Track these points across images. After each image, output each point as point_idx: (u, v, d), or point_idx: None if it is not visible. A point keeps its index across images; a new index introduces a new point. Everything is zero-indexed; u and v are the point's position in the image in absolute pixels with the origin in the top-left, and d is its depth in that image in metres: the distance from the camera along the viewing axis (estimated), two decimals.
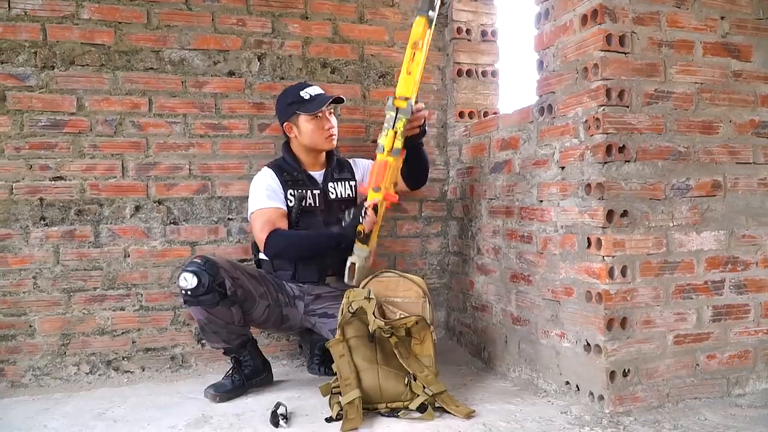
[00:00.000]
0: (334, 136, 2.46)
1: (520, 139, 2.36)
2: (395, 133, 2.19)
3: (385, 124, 2.20)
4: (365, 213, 2.21)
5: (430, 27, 2.20)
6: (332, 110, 2.48)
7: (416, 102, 2.23)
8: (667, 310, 1.99)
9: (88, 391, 2.38)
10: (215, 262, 2.18)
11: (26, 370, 2.46)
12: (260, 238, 2.31)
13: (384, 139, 2.21)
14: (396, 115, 2.18)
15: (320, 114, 2.40)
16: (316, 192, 2.45)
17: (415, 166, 2.42)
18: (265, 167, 2.46)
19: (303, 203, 2.40)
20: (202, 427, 1.95)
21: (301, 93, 2.39)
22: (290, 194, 2.40)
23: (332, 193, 2.48)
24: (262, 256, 2.43)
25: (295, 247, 2.35)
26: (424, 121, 2.32)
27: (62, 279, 2.50)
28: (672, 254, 1.99)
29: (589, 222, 1.96)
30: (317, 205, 2.43)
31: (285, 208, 2.38)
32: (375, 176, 2.22)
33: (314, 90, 2.42)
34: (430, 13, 2.19)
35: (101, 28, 2.53)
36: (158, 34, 2.60)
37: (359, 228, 2.22)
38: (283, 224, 2.36)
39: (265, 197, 2.37)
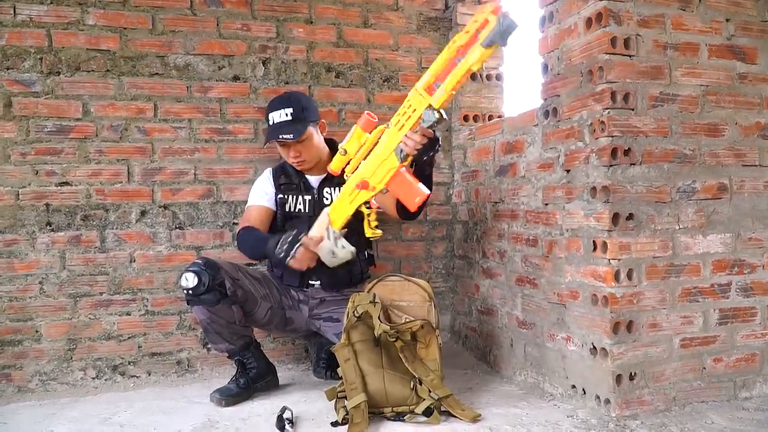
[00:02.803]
0: (302, 164, 2.38)
1: (525, 143, 2.36)
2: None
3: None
4: (296, 249, 2.12)
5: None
6: (300, 140, 2.31)
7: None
8: (674, 313, 1.98)
9: (95, 396, 2.38)
10: (216, 263, 2.21)
11: (33, 375, 2.46)
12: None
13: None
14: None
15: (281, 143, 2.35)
16: (308, 198, 2.43)
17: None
18: (268, 168, 2.53)
19: (288, 209, 2.43)
20: None
21: (269, 115, 2.36)
22: (279, 198, 2.44)
23: (327, 199, 2.42)
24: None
25: (245, 245, 2.36)
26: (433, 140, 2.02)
27: (68, 284, 2.51)
28: (678, 257, 1.99)
29: (595, 225, 1.96)
30: (305, 210, 2.42)
31: (271, 207, 2.44)
32: (381, 175, 2.04)
33: (279, 115, 2.31)
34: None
35: (106, 34, 2.54)
36: (163, 39, 2.61)
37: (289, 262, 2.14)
38: (261, 222, 2.41)
39: (255, 196, 2.46)
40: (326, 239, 2.15)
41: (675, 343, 1.98)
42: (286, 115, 2.32)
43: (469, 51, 1.78)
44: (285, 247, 2.15)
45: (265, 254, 2.30)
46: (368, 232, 2.14)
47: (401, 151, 1.98)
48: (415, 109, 1.91)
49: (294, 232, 2.17)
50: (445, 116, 1.93)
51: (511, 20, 1.74)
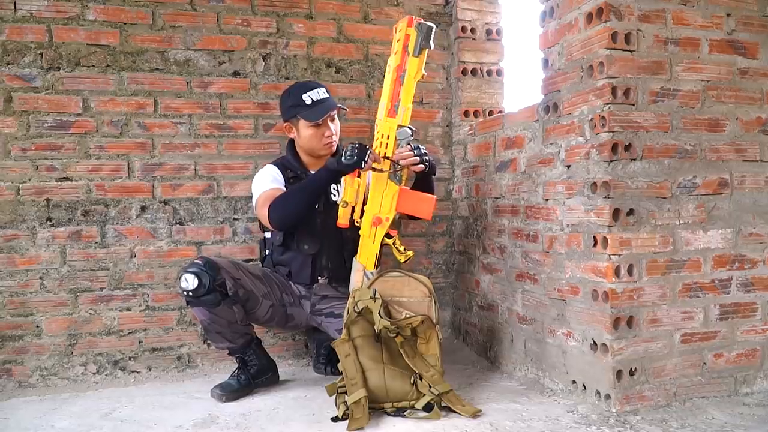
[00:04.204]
0: (333, 143, 2.42)
1: (525, 138, 2.35)
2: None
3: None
4: (369, 155, 2.10)
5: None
6: (333, 116, 2.41)
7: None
8: (674, 308, 1.98)
9: (95, 391, 2.38)
10: (216, 263, 2.19)
11: (33, 370, 2.47)
12: (263, 213, 2.27)
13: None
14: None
15: (320, 121, 2.36)
16: None
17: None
18: (269, 164, 2.48)
19: None
20: (209, 427, 1.95)
21: (303, 96, 2.34)
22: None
23: (334, 195, 2.41)
24: (267, 251, 2.47)
25: (293, 199, 2.24)
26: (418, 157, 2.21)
27: (69, 279, 2.51)
28: (678, 253, 1.99)
29: (595, 221, 1.96)
30: (317, 207, 2.36)
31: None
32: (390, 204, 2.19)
33: (317, 94, 2.36)
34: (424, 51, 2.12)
35: (107, 29, 2.54)
36: (163, 34, 2.60)
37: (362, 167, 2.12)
38: None
39: (268, 182, 2.37)
40: (366, 281, 2.20)
41: (675, 339, 1.98)
42: (324, 92, 2.39)
43: (406, 66, 2.08)
44: (355, 152, 2.10)
45: (319, 186, 2.25)
46: (401, 258, 2.21)
47: (395, 175, 2.17)
48: (388, 135, 2.14)
49: (356, 144, 2.13)
50: (413, 128, 2.16)
51: (427, 24, 2.05)
